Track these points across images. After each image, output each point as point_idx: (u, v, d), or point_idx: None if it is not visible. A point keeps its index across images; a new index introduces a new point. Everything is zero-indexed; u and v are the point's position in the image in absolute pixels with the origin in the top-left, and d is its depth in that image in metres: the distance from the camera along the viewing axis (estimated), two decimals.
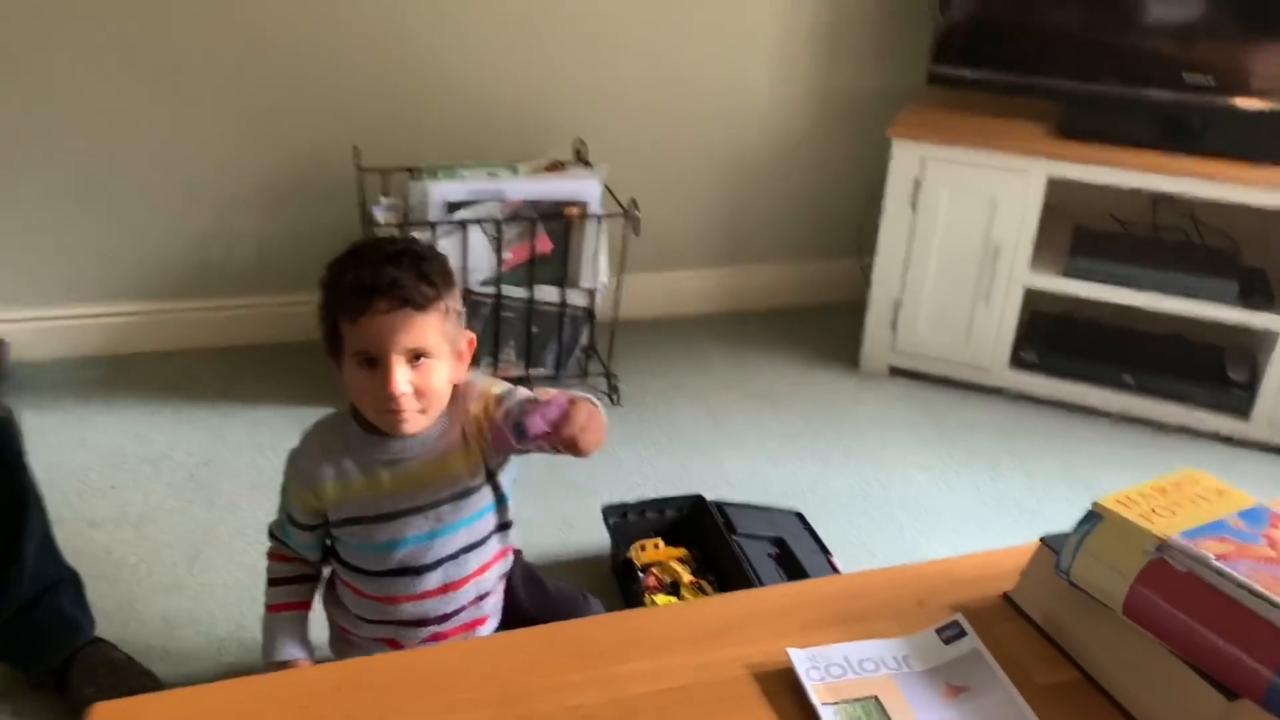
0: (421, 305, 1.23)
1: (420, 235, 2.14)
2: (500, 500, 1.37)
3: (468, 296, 2.21)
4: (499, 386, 1.33)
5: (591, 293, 2.28)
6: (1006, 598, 1.05)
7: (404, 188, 2.27)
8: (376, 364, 1.22)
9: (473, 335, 1.33)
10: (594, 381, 2.49)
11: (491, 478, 1.34)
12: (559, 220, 2.19)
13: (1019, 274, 2.43)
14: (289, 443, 2.03)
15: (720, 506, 1.93)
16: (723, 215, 2.83)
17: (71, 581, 1.61)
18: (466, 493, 1.32)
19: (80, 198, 2.37)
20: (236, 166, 2.44)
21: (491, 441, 1.30)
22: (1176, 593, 0.88)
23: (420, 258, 1.27)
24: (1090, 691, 0.94)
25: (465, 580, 1.37)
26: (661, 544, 1.88)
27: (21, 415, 2.14)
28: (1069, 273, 2.42)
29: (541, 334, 2.34)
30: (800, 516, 1.98)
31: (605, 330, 2.48)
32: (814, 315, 2.94)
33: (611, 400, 2.44)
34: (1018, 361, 2.54)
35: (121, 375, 2.44)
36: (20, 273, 2.41)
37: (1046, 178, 2.34)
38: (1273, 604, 0.83)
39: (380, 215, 2.17)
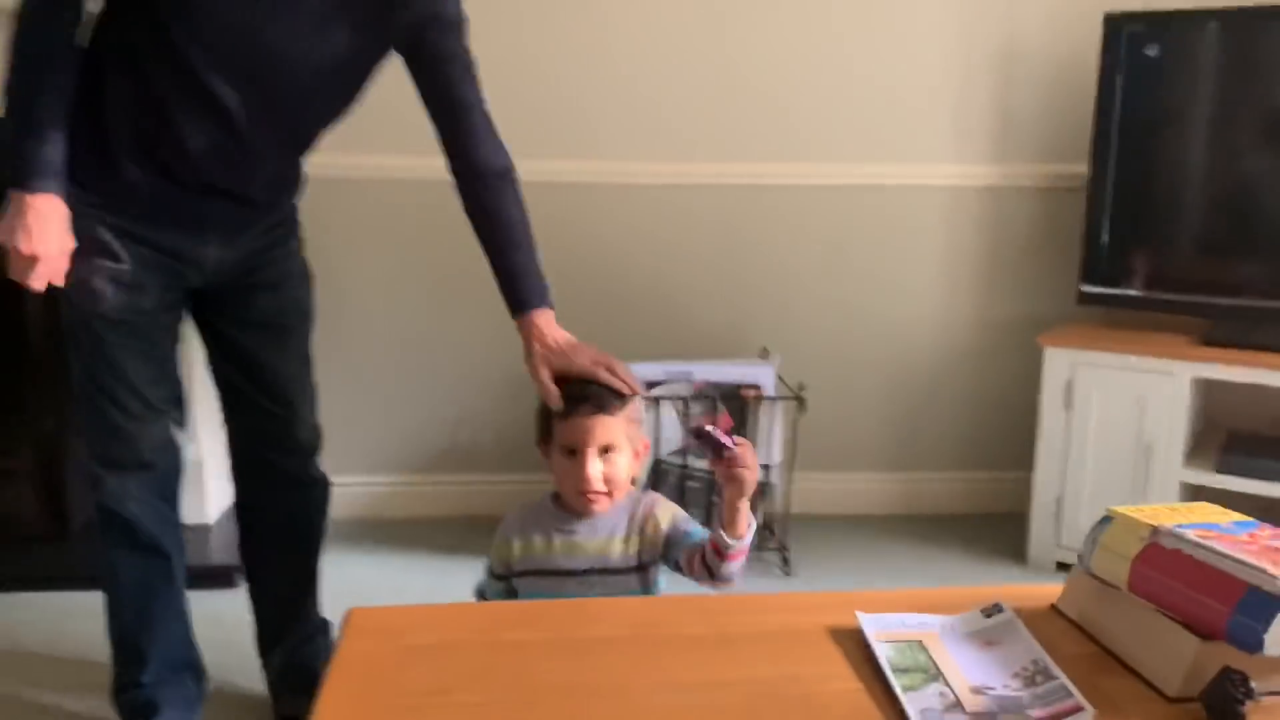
0: (611, 411, 1.65)
1: None
2: (645, 590, 1.68)
3: (658, 465, 2.60)
4: (684, 513, 1.70)
5: (766, 468, 2.61)
6: (1053, 607, 1.28)
7: None
8: (576, 454, 1.63)
9: (648, 440, 1.72)
10: (768, 555, 2.78)
11: (641, 569, 1.66)
12: (738, 400, 2.59)
13: (1173, 471, 2.59)
14: None
15: None
16: (894, 423, 3.13)
17: (329, 629, 2.03)
18: (613, 572, 1.65)
19: (361, 382, 2.98)
20: (485, 363, 3.00)
21: (660, 546, 1.63)
22: (1165, 566, 1.11)
23: None
24: (1104, 657, 1.15)
25: None
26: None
27: None
28: (1223, 469, 2.56)
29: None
30: None
31: (780, 511, 2.79)
32: (984, 520, 3.12)
33: (784, 571, 2.71)
34: None
35: (374, 533, 2.94)
36: None
37: (1191, 378, 2.55)
38: (1229, 558, 1.05)
39: None
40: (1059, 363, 2.70)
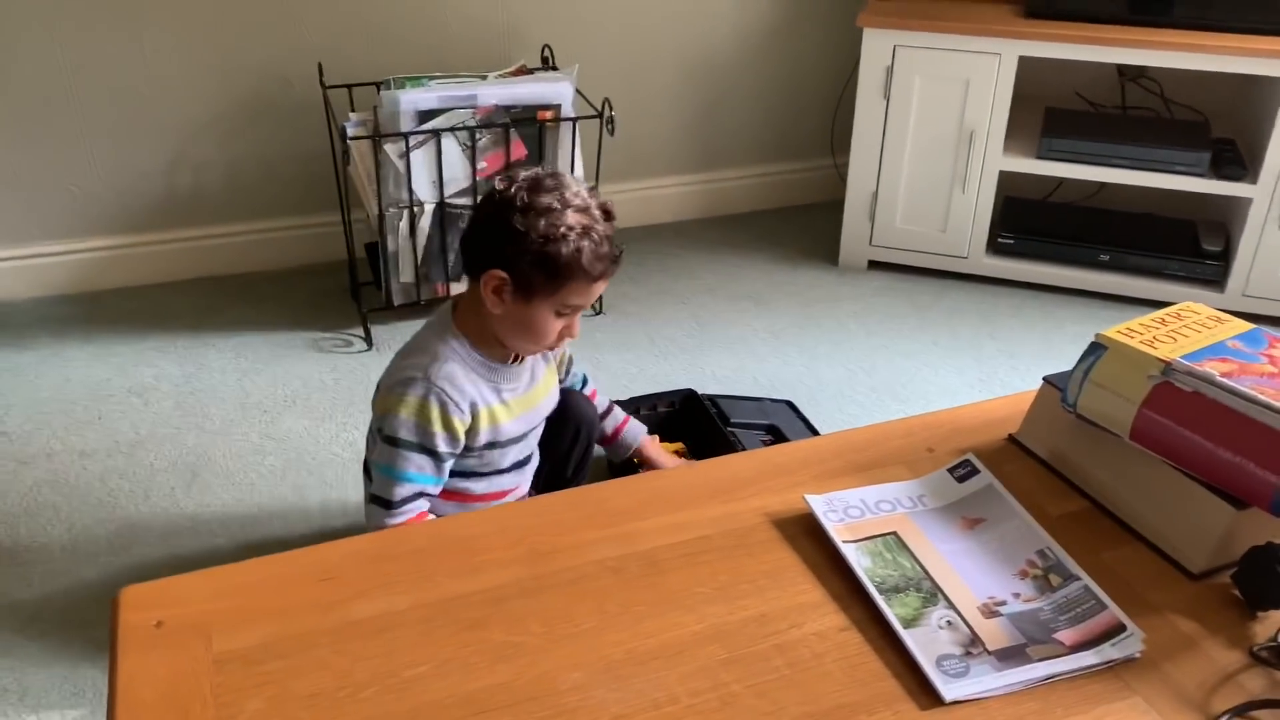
0: None
1: (392, 148, 2.10)
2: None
3: (444, 207, 2.19)
4: None
5: None
6: (1012, 439, 1.07)
7: (373, 102, 2.23)
8: (568, 314, 1.35)
9: None
10: None
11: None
12: (532, 125, 2.16)
13: (993, 158, 2.44)
14: (273, 367, 2.07)
15: (713, 399, 1.94)
16: (695, 119, 2.80)
17: None
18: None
19: (42, 132, 2.31)
20: (197, 92, 2.38)
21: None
22: (1183, 412, 0.90)
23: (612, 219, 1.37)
24: (1100, 518, 0.97)
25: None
26: (658, 439, 1.89)
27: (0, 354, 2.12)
28: (1042, 154, 2.43)
29: None
30: (791, 405, 2.00)
31: None
32: (792, 215, 2.94)
33: (594, 309, 2.44)
34: (995, 247, 2.55)
35: (96, 311, 2.40)
36: None
37: (1018, 58, 2.33)
38: (1270, 409, 0.85)
39: (351, 130, 2.13)
40: (878, 47, 2.41)
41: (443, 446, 1.36)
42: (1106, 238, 2.52)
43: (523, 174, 1.33)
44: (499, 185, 1.33)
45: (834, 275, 2.65)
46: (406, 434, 1.35)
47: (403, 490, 1.37)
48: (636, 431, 1.70)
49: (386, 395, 1.38)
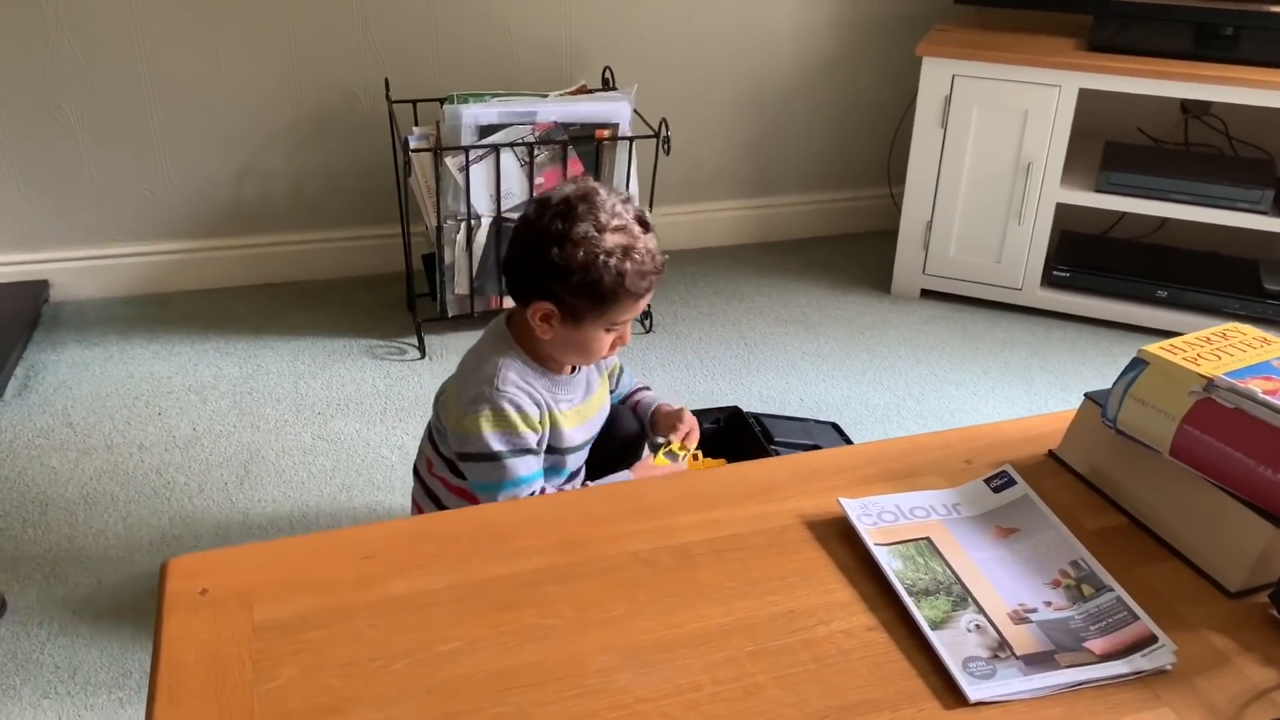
0: None
1: (453, 161, 2.15)
2: None
3: (501, 222, 2.23)
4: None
5: None
6: (1052, 454, 1.07)
7: (436, 118, 2.28)
8: (617, 326, 1.38)
9: None
10: None
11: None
12: (590, 143, 2.20)
13: (1050, 190, 2.43)
14: (328, 372, 2.12)
15: (757, 417, 1.95)
16: (752, 146, 2.82)
17: None
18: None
19: (117, 139, 2.40)
20: (267, 105, 2.45)
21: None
22: (1224, 429, 0.90)
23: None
24: (1137, 533, 0.96)
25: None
26: (700, 455, 1.90)
27: (68, 350, 2.20)
28: (1101, 187, 2.42)
29: None
30: (836, 427, 2.00)
31: None
32: (844, 243, 2.95)
33: (644, 326, 2.46)
34: (1050, 280, 2.54)
35: (162, 312, 2.48)
36: (61, 215, 2.44)
37: (1078, 90, 2.33)
38: None
39: (414, 143, 2.18)
40: (937, 76, 2.42)
41: (534, 441, 1.39)
42: (1165, 274, 2.49)
43: (555, 195, 1.32)
44: (532, 213, 1.33)
45: (886, 303, 2.65)
46: (499, 445, 1.36)
47: (523, 493, 1.38)
48: (650, 399, 1.68)
49: (462, 418, 1.37)
